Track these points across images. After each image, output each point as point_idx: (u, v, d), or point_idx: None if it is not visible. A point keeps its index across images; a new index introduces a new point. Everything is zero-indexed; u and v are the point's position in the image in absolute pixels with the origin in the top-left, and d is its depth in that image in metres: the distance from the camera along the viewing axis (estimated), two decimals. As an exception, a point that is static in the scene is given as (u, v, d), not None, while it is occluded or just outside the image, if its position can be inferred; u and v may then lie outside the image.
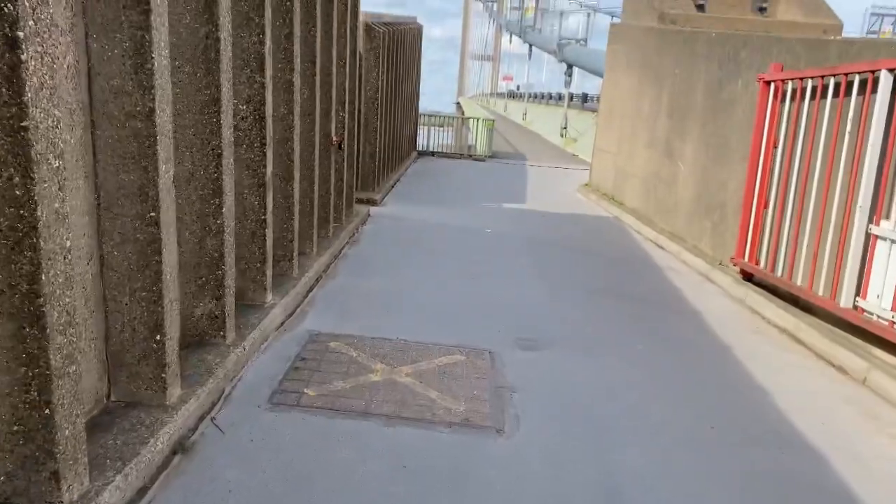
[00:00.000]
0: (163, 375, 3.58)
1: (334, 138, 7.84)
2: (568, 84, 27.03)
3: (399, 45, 14.18)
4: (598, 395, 4.70)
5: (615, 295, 7.38)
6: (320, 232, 7.79)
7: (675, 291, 7.73)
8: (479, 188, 14.96)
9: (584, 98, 32.65)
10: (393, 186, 13.56)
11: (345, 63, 8.41)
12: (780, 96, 7.20)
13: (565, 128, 26.76)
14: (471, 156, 20.96)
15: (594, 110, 30.08)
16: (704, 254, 9.00)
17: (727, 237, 8.50)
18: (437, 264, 7.95)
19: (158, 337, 3.54)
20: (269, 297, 5.48)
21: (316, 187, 7.11)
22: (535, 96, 49.29)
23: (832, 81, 6.28)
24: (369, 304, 6.27)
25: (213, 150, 4.24)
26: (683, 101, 10.26)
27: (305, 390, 4.31)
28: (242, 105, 5.05)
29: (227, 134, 4.37)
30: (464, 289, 7.05)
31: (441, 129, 22.86)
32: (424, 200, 12.51)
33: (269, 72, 5.11)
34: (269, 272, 5.44)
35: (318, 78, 6.90)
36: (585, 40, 30.33)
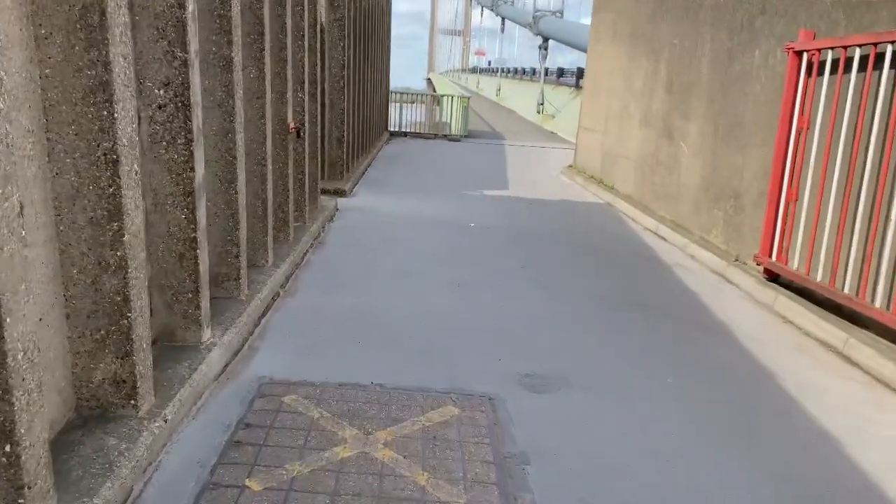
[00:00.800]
0: (19, 502, 2.37)
1: (291, 125, 6.56)
2: (544, 58, 25.74)
3: (367, 16, 12.81)
4: (642, 466, 3.57)
5: (624, 304, 6.27)
6: (277, 237, 6.54)
7: (691, 297, 6.64)
8: (458, 172, 13.73)
9: (560, 73, 31.38)
10: (364, 173, 12.28)
11: (303, 35, 7.09)
12: (816, 69, 6.08)
13: (542, 104, 25.54)
14: (445, 136, 19.68)
15: (570, 85, 28.89)
16: (715, 247, 7.92)
17: (745, 231, 7.42)
18: (416, 271, 6.75)
19: (9, 448, 2.32)
20: (207, 334, 4.26)
21: (269, 185, 5.85)
22: (508, 71, 47.82)
23: (890, 49, 5.16)
24: (336, 331, 5.06)
25: (105, 155, 2.98)
26: (685, 74, 9.11)
27: (247, 483, 3.12)
28: (158, 89, 3.78)
29: (128, 131, 3.10)
30: (450, 304, 5.87)
31: (412, 105, 21.55)
32: (399, 188, 11.26)
33: (193, 45, 3.83)
34: (204, 303, 4.21)
35: (267, 53, 5.61)
36: (561, 12, 29.00)
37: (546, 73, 35.22)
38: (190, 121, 3.85)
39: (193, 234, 4.01)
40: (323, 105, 10.00)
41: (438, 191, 11.34)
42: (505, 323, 5.49)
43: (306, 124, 7.46)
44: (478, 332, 5.23)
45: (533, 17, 26.25)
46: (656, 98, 10.07)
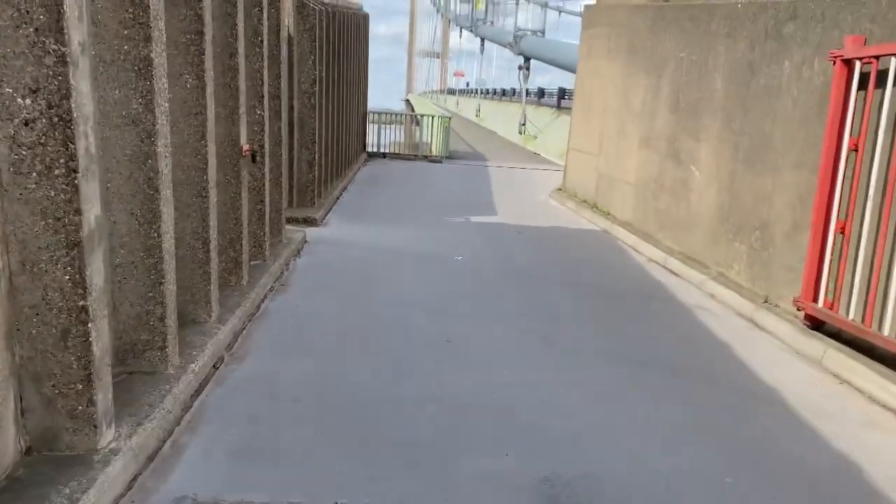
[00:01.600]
0: None
1: (245, 147, 5.38)
2: (525, 78, 24.88)
3: (342, 28, 11.71)
4: None
5: (649, 365, 5.14)
6: (228, 281, 5.34)
7: (723, 350, 5.53)
8: (440, 196, 12.60)
9: (541, 93, 30.59)
10: (338, 199, 11.10)
11: (261, 41, 5.94)
12: (875, 79, 5.05)
13: (524, 124, 24.63)
14: (426, 157, 18.58)
15: (552, 106, 28.08)
16: (738, 285, 6.85)
17: (775, 268, 6.36)
18: (397, 322, 5.57)
19: None
20: (106, 436, 3.04)
21: (212, 222, 4.65)
22: (487, 92, 47.09)
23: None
24: (292, 423, 3.83)
25: None
26: (694, 91, 8.10)
27: None
28: (23, 98, 2.60)
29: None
30: (439, 371, 4.69)
31: (391, 126, 20.46)
32: (376, 216, 10.09)
33: (76, 35, 2.66)
34: (101, 394, 2.99)
35: (209, 58, 4.44)
36: (543, 31, 28.19)
37: (527, 94, 34.45)
38: (72, 143, 2.67)
39: (82, 302, 2.81)
40: (291, 124, 8.84)
41: (420, 218, 10.20)
42: (509, 399, 4.31)
43: (267, 145, 6.29)
44: (476, 416, 4.05)
45: (514, 37, 25.40)
46: (659, 117, 9.05)
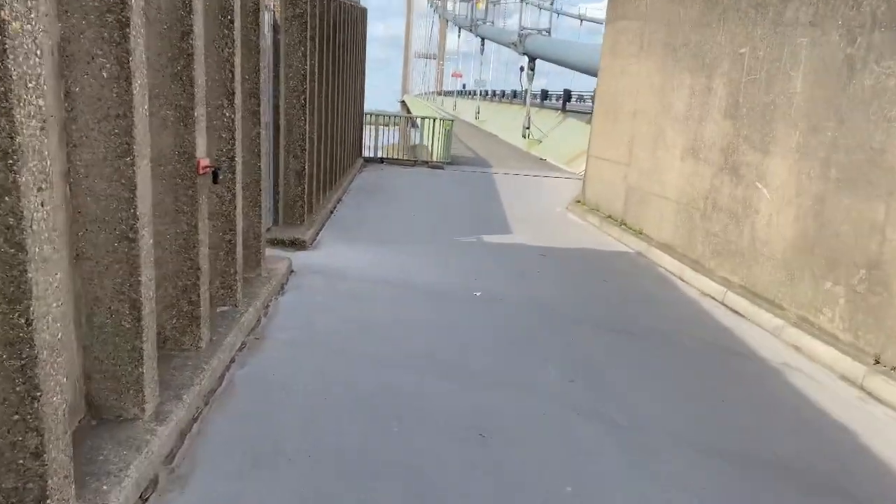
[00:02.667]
0: None
1: (203, 163, 3.88)
2: (530, 79, 23.37)
3: (338, 19, 10.21)
4: None
5: (757, 465, 3.68)
6: (181, 345, 3.86)
7: (844, 439, 4.07)
8: (446, 209, 11.12)
9: (544, 95, 29.09)
10: (332, 212, 9.60)
11: (231, 22, 4.44)
12: None
13: (528, 128, 23.14)
14: (426, 162, 17.09)
15: (556, 108, 26.61)
16: (832, 337, 5.40)
17: (890, 319, 4.91)
18: (407, 402, 4.07)
19: None
20: None
21: (145, 277, 3.14)
22: (486, 94, 45.55)
23: None
24: None
25: None
26: (761, 93, 6.64)
27: None
28: None
29: None
30: (471, 493, 3.21)
31: (388, 128, 18.99)
32: (375, 235, 8.59)
33: None
34: None
35: (140, 37, 2.95)
36: (549, 30, 26.67)
37: (536, 96, 33.04)
38: None
39: None
40: (277, 127, 7.35)
41: (426, 237, 8.71)
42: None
43: (239, 157, 4.79)
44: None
45: (518, 36, 23.87)
46: (710, 123, 7.60)
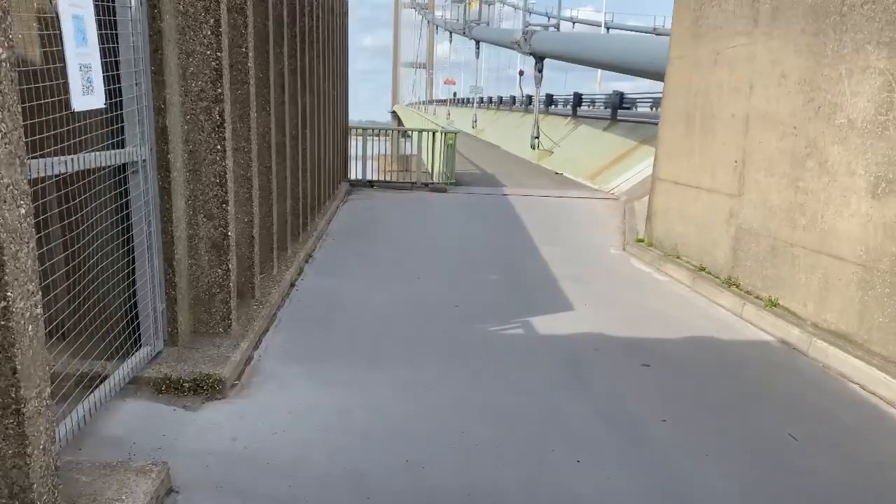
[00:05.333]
0: None
1: None
2: (539, 82, 19.83)
3: (308, 5, 6.74)
4: None
5: None
6: None
7: None
8: (461, 261, 7.59)
9: (549, 100, 25.63)
10: (293, 287, 6.05)
11: None
12: None
13: (538, 137, 19.73)
14: (426, 184, 13.56)
15: (565, 115, 23.12)
16: None
17: None
18: None
19: None
20: None
21: None
22: (482, 101, 41.95)
23: None
24: None
25: None
26: None
27: None
28: None
29: None
30: None
31: (377, 138, 15.55)
32: (358, 341, 5.03)
33: None
34: None
35: None
36: (558, 25, 23.09)
37: (529, 102, 29.59)
38: None
39: None
40: (164, 169, 3.80)
41: (440, 333, 5.17)
42: None
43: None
44: None
45: (522, 35, 20.39)
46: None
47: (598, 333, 5.28)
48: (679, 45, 7.76)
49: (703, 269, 6.97)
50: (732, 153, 6.50)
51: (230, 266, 4.20)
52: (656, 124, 16.39)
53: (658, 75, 13.87)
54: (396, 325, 5.22)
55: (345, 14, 12.24)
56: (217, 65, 3.94)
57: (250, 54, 4.64)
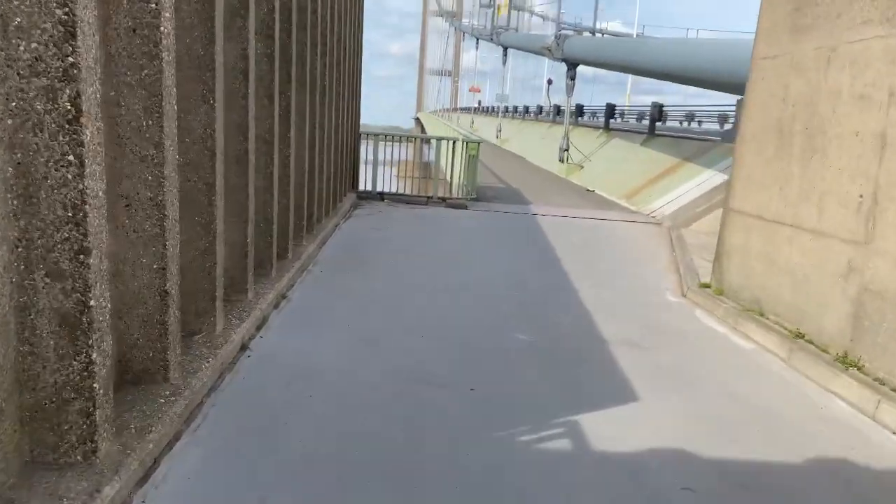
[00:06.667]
0: None
1: None
2: (571, 90, 18.08)
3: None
4: None
5: None
6: None
7: None
8: (479, 303, 5.81)
9: (579, 111, 23.76)
10: (261, 328, 4.33)
11: None
12: None
13: (567, 150, 17.92)
14: (443, 199, 11.81)
15: (596, 127, 21.27)
16: None
17: None
18: None
19: None
20: None
21: None
22: (507, 110, 40.10)
23: None
24: None
25: None
26: None
27: None
28: None
29: None
30: None
31: (397, 143, 13.82)
32: (326, 431, 3.30)
33: None
34: None
35: None
36: (593, 30, 21.38)
37: (557, 112, 27.82)
38: None
39: None
40: (75, 207, 2.08)
41: (447, 431, 3.43)
42: None
43: None
44: None
45: (555, 39, 18.65)
46: None
47: (679, 451, 3.47)
48: (769, 42, 5.93)
49: (801, 335, 5.12)
50: (856, 185, 4.66)
51: (93, 355, 2.46)
52: (702, 140, 14.40)
53: (714, 83, 11.98)
54: (384, 434, 3.45)
55: (361, 7, 10.55)
56: (67, 15, 2.22)
57: (165, 14, 2.93)
